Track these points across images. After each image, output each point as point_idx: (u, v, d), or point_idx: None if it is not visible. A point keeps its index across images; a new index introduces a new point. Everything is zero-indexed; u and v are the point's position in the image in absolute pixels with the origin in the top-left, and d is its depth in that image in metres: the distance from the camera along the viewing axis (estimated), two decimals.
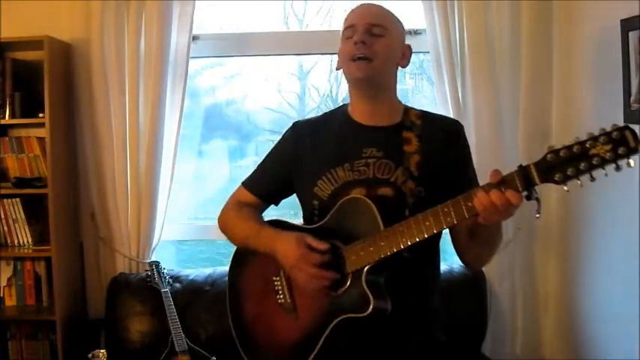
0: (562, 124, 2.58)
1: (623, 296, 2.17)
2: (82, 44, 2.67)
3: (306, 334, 1.52)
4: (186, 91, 2.68)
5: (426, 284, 1.61)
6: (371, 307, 1.41)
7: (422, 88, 3.06)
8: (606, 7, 2.24)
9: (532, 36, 2.55)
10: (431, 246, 1.58)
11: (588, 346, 2.44)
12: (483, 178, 1.61)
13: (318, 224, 1.57)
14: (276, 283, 1.61)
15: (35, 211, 2.68)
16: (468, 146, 1.64)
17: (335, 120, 1.66)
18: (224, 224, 1.75)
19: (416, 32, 2.66)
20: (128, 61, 2.61)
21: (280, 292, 1.60)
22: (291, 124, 1.73)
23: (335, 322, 1.47)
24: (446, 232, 1.47)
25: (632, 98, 2.06)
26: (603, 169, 1.14)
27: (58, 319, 2.54)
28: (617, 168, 1.14)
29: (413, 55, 1.65)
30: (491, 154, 2.51)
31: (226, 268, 1.78)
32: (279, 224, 1.67)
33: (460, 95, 2.58)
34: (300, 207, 1.70)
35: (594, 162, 1.14)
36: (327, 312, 1.49)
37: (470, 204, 1.30)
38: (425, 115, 1.63)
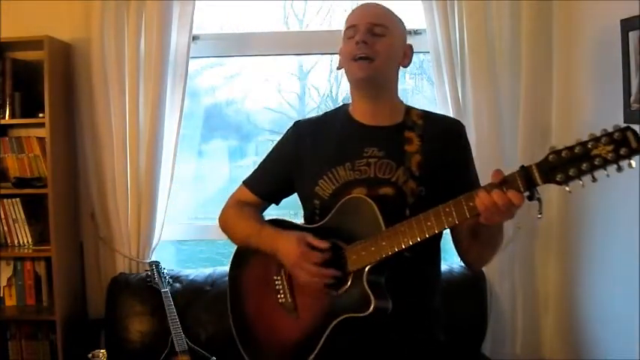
0: (562, 124, 2.58)
1: (623, 296, 2.17)
2: (82, 44, 2.67)
3: (307, 333, 1.53)
4: (186, 91, 2.68)
5: (427, 284, 1.61)
6: (372, 306, 1.41)
7: (422, 88, 3.06)
8: (606, 7, 2.24)
9: (532, 36, 2.55)
10: (432, 246, 1.59)
11: (588, 346, 2.44)
12: (483, 177, 1.62)
13: (319, 224, 1.57)
14: (276, 282, 1.61)
15: (35, 211, 2.68)
16: (469, 146, 1.64)
17: (336, 119, 1.66)
18: (225, 223, 1.76)
19: (416, 32, 2.66)
20: (128, 61, 2.61)
21: (281, 291, 1.60)
22: (292, 124, 1.73)
23: (336, 321, 1.47)
24: (447, 232, 1.47)
25: (632, 98, 2.06)
26: (605, 169, 1.15)
27: (58, 319, 2.54)
28: (619, 169, 1.14)
29: (413, 55, 1.65)
30: (491, 154, 2.51)
31: (226, 268, 1.78)
32: (279, 223, 1.67)
33: (460, 95, 2.58)
34: (300, 207, 1.70)
35: (596, 163, 1.14)
36: (327, 311, 1.49)
37: (471, 204, 1.30)
38: (426, 115, 1.63)
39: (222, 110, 3.16)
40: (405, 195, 1.51)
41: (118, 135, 2.63)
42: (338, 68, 1.65)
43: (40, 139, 2.61)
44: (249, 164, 3.04)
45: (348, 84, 1.64)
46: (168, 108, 2.64)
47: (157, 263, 2.61)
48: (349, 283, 1.47)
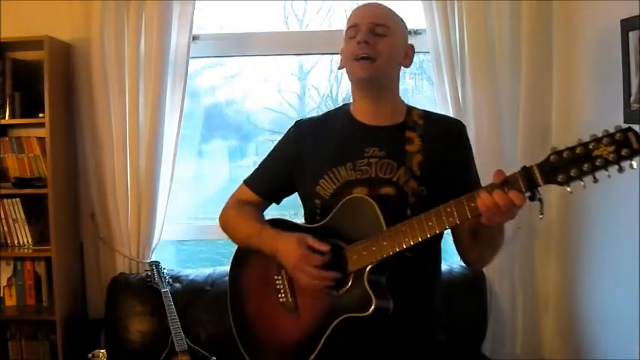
0: (562, 124, 2.58)
1: (623, 296, 2.17)
2: (82, 44, 2.67)
3: (308, 333, 1.52)
4: (186, 91, 2.68)
5: (428, 284, 1.61)
6: (373, 306, 1.41)
7: (422, 88, 3.06)
8: (606, 7, 2.25)
9: (532, 36, 2.55)
10: (433, 246, 1.59)
11: (588, 346, 2.44)
12: (483, 177, 1.62)
13: (320, 223, 1.57)
14: (277, 282, 1.61)
15: (35, 211, 2.68)
16: (470, 146, 1.64)
17: (337, 119, 1.66)
18: (225, 223, 1.75)
19: (416, 32, 2.66)
20: (128, 61, 2.61)
21: (282, 291, 1.60)
22: (293, 123, 1.73)
23: (336, 321, 1.47)
24: (447, 232, 1.47)
25: (632, 98, 2.06)
26: (606, 170, 1.15)
27: (58, 319, 2.54)
28: (620, 169, 1.14)
29: (414, 55, 1.65)
30: (491, 154, 2.51)
31: (226, 268, 1.78)
32: (280, 223, 1.67)
33: (460, 95, 2.58)
34: (300, 206, 1.70)
35: (597, 163, 1.15)
36: (328, 311, 1.49)
37: (473, 204, 1.31)
38: (427, 115, 1.63)
39: (222, 110, 3.16)
40: (406, 195, 1.51)
41: (118, 135, 2.63)
42: (339, 68, 1.65)
43: (40, 139, 2.61)
44: (249, 164, 3.04)
45: (349, 84, 1.64)
46: (168, 108, 2.64)
47: (157, 263, 2.61)
48: (350, 283, 1.47)
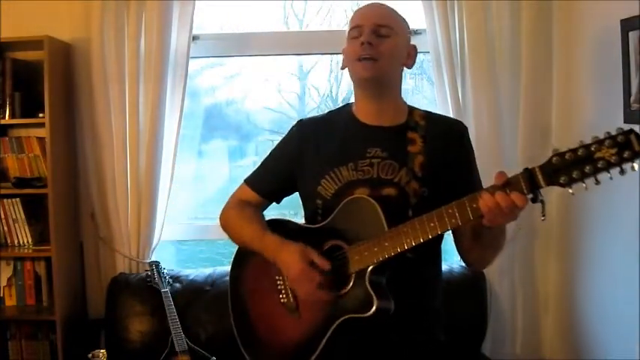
0: (562, 124, 2.58)
1: (623, 296, 2.17)
2: (82, 44, 2.67)
3: (309, 334, 1.52)
4: (186, 91, 2.68)
5: (428, 284, 1.61)
6: (374, 307, 1.41)
7: (422, 88, 3.06)
8: (606, 7, 2.25)
9: (532, 36, 2.55)
10: (433, 246, 1.59)
11: (588, 346, 2.44)
12: (483, 177, 1.62)
13: (321, 224, 1.57)
14: (278, 282, 1.61)
15: (35, 211, 2.68)
16: (471, 147, 1.64)
17: (339, 119, 1.66)
18: (226, 223, 1.75)
19: (416, 32, 2.66)
20: (128, 61, 2.61)
21: (283, 291, 1.60)
22: (295, 122, 1.73)
23: (338, 322, 1.47)
24: (448, 232, 1.47)
25: (632, 98, 2.07)
26: (608, 172, 1.15)
27: (58, 319, 2.54)
28: (622, 172, 1.14)
29: (417, 55, 1.64)
30: (491, 154, 2.51)
31: (226, 268, 1.77)
32: (281, 224, 1.67)
33: (460, 95, 2.58)
34: (300, 206, 1.70)
35: (599, 165, 1.14)
36: (330, 312, 1.48)
37: (475, 205, 1.30)
38: (429, 116, 1.63)
39: (222, 110, 3.16)
40: (408, 196, 1.51)
41: (118, 135, 2.63)
42: (342, 68, 1.64)
43: (40, 139, 2.61)
44: (249, 164, 3.04)
45: (350, 84, 1.64)
46: (168, 108, 2.64)
47: (157, 263, 2.61)
48: (351, 283, 1.47)
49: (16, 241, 2.65)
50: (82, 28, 2.64)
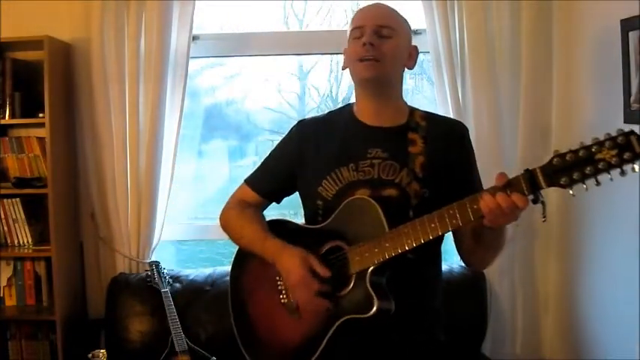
0: (562, 124, 2.58)
1: (623, 296, 2.17)
2: (82, 44, 2.67)
3: (309, 334, 1.52)
4: (186, 91, 2.68)
5: (428, 285, 1.61)
6: (375, 307, 1.41)
7: (422, 88, 3.06)
8: (606, 7, 2.25)
9: (532, 36, 2.55)
10: (434, 247, 1.59)
11: (588, 346, 2.44)
12: (483, 177, 1.62)
13: (321, 224, 1.57)
14: (279, 282, 1.61)
15: (35, 211, 2.68)
16: (472, 148, 1.64)
17: (340, 119, 1.66)
18: (226, 223, 1.75)
19: (416, 32, 2.65)
20: (128, 61, 2.61)
21: (283, 291, 1.60)
22: (296, 122, 1.73)
23: (338, 322, 1.47)
24: (448, 233, 1.47)
25: (632, 98, 2.07)
26: (609, 173, 1.15)
27: (58, 319, 2.54)
28: (622, 173, 1.14)
29: (418, 56, 1.64)
30: (491, 154, 2.51)
31: (226, 268, 1.78)
32: (281, 224, 1.67)
33: (460, 95, 2.58)
34: (300, 206, 1.70)
35: (600, 166, 1.15)
36: (330, 313, 1.48)
37: (476, 206, 1.30)
38: (430, 117, 1.63)
39: (222, 110, 3.16)
40: (409, 196, 1.51)
41: (118, 135, 2.63)
42: (343, 68, 1.64)
43: (40, 139, 2.61)
44: (249, 164, 3.04)
45: (350, 84, 1.64)
46: (168, 108, 2.64)
47: (157, 263, 2.61)
48: (352, 284, 1.47)
49: (16, 241, 2.65)
50: (82, 28, 2.64)
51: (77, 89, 2.71)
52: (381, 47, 1.52)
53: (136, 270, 2.70)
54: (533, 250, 2.69)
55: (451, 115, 2.51)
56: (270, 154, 1.76)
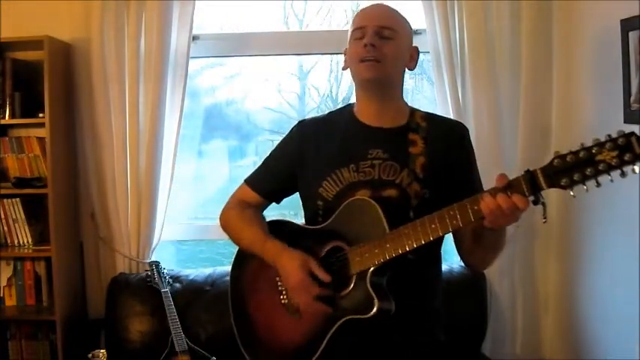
0: (562, 124, 2.59)
1: (624, 296, 2.17)
2: (82, 44, 2.67)
3: (309, 334, 1.52)
4: (186, 91, 2.68)
5: (428, 285, 1.61)
6: (375, 308, 1.41)
7: (422, 88, 3.06)
8: (606, 7, 2.25)
9: (532, 36, 2.55)
10: (434, 248, 1.59)
11: (588, 346, 2.44)
12: (484, 177, 1.62)
13: (322, 225, 1.57)
14: (279, 283, 1.61)
15: (35, 211, 2.68)
16: (472, 149, 1.64)
17: (341, 120, 1.66)
18: (226, 223, 1.75)
19: (416, 32, 2.64)
20: (128, 61, 2.61)
21: (283, 292, 1.60)
22: (296, 123, 1.73)
23: (339, 323, 1.47)
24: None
25: (632, 98, 2.07)
26: (609, 174, 1.15)
27: (58, 319, 2.54)
28: (623, 174, 1.14)
29: (419, 57, 1.64)
30: (491, 154, 2.51)
31: (226, 268, 1.78)
32: (282, 225, 1.67)
33: (460, 95, 2.58)
34: (300, 206, 1.70)
35: (600, 168, 1.15)
36: (331, 313, 1.48)
37: (476, 207, 1.30)
38: (430, 117, 1.63)
39: (222, 110, 3.16)
40: (409, 197, 1.51)
41: (118, 135, 2.63)
42: (343, 68, 1.64)
43: (40, 139, 2.61)
44: (249, 164, 3.04)
45: (350, 84, 1.64)
46: (168, 108, 2.64)
47: (157, 263, 2.61)
48: (352, 284, 1.47)
49: (16, 241, 2.65)
50: (82, 28, 2.64)
51: (77, 89, 2.71)
52: (382, 48, 1.51)
53: (136, 270, 2.70)
54: (533, 250, 2.69)
55: (451, 115, 2.52)
56: (270, 154, 1.75)
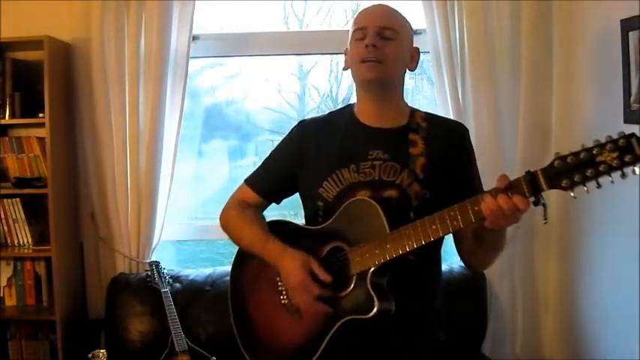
0: (562, 124, 2.59)
1: (623, 296, 2.17)
2: (82, 44, 2.67)
3: (310, 335, 1.52)
4: (186, 91, 2.68)
5: (428, 286, 1.61)
6: (375, 308, 1.41)
7: (422, 88, 3.06)
8: (606, 7, 2.25)
9: (532, 36, 2.55)
10: (434, 248, 1.59)
11: (588, 346, 2.44)
12: (484, 177, 1.62)
13: (322, 225, 1.56)
14: (279, 283, 1.61)
15: (35, 211, 2.68)
16: (472, 149, 1.64)
17: (341, 120, 1.65)
18: (226, 223, 1.75)
19: (416, 32, 2.63)
20: (128, 61, 2.61)
21: (283, 292, 1.60)
22: (297, 123, 1.73)
23: (339, 323, 1.47)
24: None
25: (632, 98, 2.07)
26: (609, 176, 1.15)
27: (58, 319, 2.54)
28: (623, 175, 1.14)
29: (420, 58, 1.64)
30: (491, 154, 2.51)
31: (226, 268, 1.77)
32: (282, 225, 1.67)
33: (460, 95, 2.58)
34: (300, 206, 1.70)
35: (601, 169, 1.14)
36: (331, 313, 1.48)
37: (477, 208, 1.30)
38: (430, 118, 1.63)
39: (222, 110, 3.16)
40: (410, 198, 1.51)
41: (118, 135, 2.63)
42: (344, 69, 1.64)
43: (40, 139, 2.61)
44: (249, 164, 3.04)
45: (350, 84, 1.64)
46: (168, 108, 2.64)
47: (157, 263, 2.61)
48: (352, 285, 1.47)
49: (16, 241, 2.65)
50: (82, 28, 2.64)
51: (77, 89, 2.71)
52: (383, 49, 1.51)
53: (136, 270, 2.70)
54: (533, 250, 2.69)
55: (451, 116, 2.52)
56: (270, 154, 1.75)
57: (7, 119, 2.57)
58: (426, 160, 1.54)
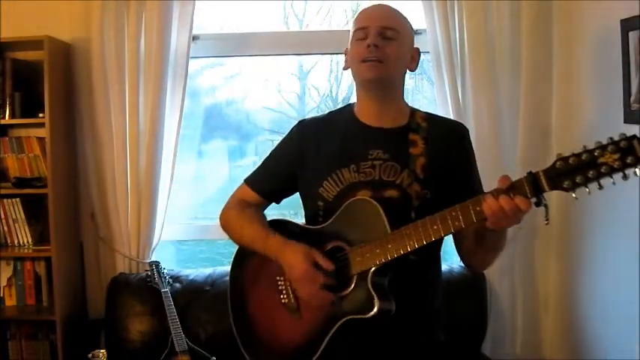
0: (562, 124, 2.59)
1: (624, 296, 2.17)
2: (82, 44, 2.67)
3: (310, 334, 1.52)
4: (186, 91, 2.67)
5: (429, 286, 1.62)
6: (375, 308, 1.41)
7: (422, 88, 3.06)
8: (606, 7, 2.25)
9: (532, 36, 2.55)
10: (435, 248, 1.59)
11: (588, 346, 2.44)
12: (484, 177, 1.62)
13: (322, 225, 1.56)
14: (279, 282, 1.61)
15: (35, 211, 2.68)
16: (472, 149, 1.64)
17: (341, 120, 1.65)
18: (226, 223, 1.74)
19: (416, 32, 2.63)
20: (128, 61, 2.60)
21: (284, 292, 1.60)
22: (297, 122, 1.73)
23: (339, 323, 1.47)
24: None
25: (632, 98, 2.07)
26: (611, 177, 1.15)
27: (58, 319, 2.54)
28: (625, 177, 1.14)
29: (420, 58, 1.65)
30: (491, 154, 2.51)
31: (226, 268, 1.77)
32: (282, 225, 1.67)
33: (460, 95, 2.58)
34: (300, 206, 1.70)
35: (603, 170, 1.15)
36: (331, 313, 1.48)
37: (478, 208, 1.30)
38: (430, 118, 1.63)
39: (222, 110, 3.16)
40: (410, 198, 1.51)
41: (118, 135, 2.63)
42: (344, 68, 1.64)
43: (40, 139, 2.61)
44: (249, 164, 3.04)
45: (350, 84, 1.64)
46: (168, 108, 2.64)
47: (157, 263, 2.61)
48: (353, 285, 1.47)
49: (16, 241, 2.65)
50: (82, 28, 2.64)
51: (77, 89, 2.71)
52: (384, 49, 1.51)
53: (136, 270, 2.70)
54: (533, 250, 2.69)
55: (451, 116, 2.52)
56: (270, 154, 1.75)
57: (7, 119, 2.57)
58: (426, 160, 1.54)
